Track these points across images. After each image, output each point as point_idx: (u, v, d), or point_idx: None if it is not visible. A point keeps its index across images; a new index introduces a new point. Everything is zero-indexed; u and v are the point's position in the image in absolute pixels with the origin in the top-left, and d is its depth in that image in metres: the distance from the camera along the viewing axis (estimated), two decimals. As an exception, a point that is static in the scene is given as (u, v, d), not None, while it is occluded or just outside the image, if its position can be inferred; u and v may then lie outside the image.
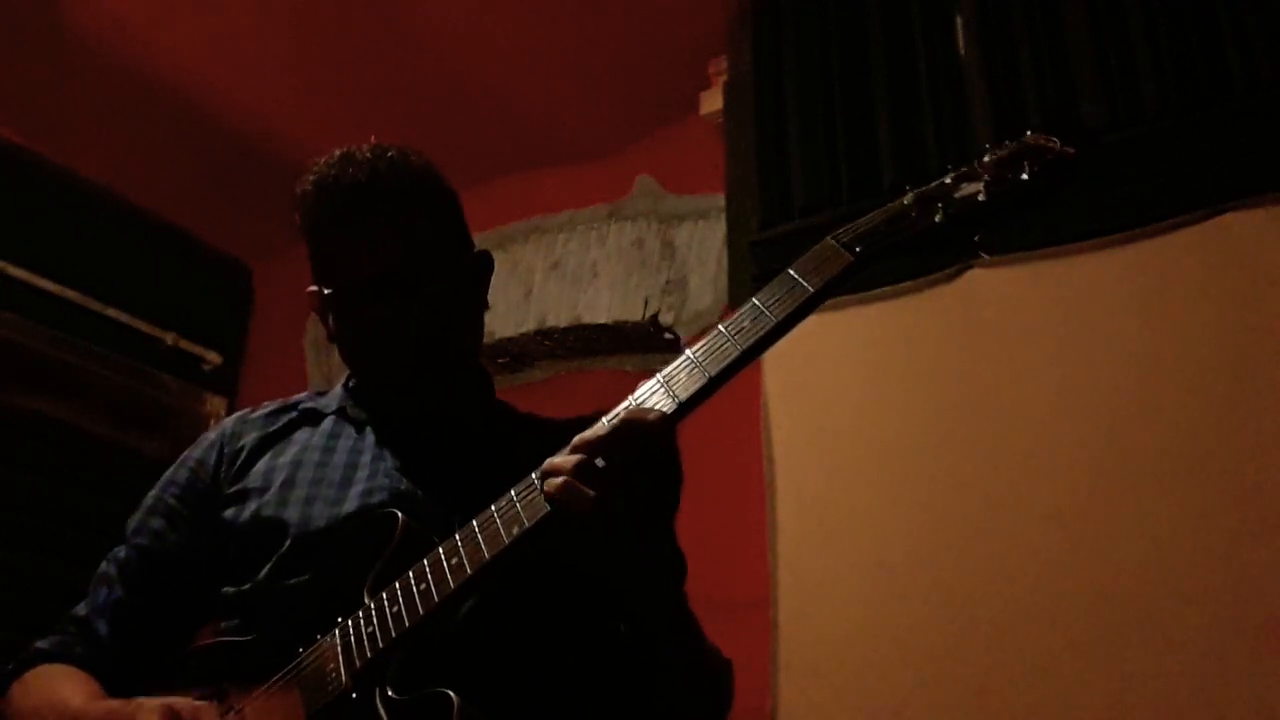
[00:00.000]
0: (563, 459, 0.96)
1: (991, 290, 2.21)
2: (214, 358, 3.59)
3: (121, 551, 1.27)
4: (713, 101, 2.86)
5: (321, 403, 1.34)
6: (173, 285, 3.56)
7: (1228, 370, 1.92)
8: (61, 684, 1.15)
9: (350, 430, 1.28)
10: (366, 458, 1.23)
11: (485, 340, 1.40)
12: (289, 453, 1.26)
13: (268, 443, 1.28)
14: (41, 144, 3.20)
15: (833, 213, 2.45)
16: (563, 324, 3.06)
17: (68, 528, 2.98)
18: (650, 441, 0.95)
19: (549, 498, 0.94)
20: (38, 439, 3.11)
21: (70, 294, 3.21)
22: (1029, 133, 1.02)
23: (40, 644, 1.22)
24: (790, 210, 2.51)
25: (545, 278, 3.13)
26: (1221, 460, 1.88)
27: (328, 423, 1.30)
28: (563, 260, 3.14)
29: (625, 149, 3.16)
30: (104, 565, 1.27)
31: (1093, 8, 2.20)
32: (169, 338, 3.48)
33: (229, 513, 1.22)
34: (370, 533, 1.10)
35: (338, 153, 1.23)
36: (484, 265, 1.32)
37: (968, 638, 2.02)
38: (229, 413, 3.50)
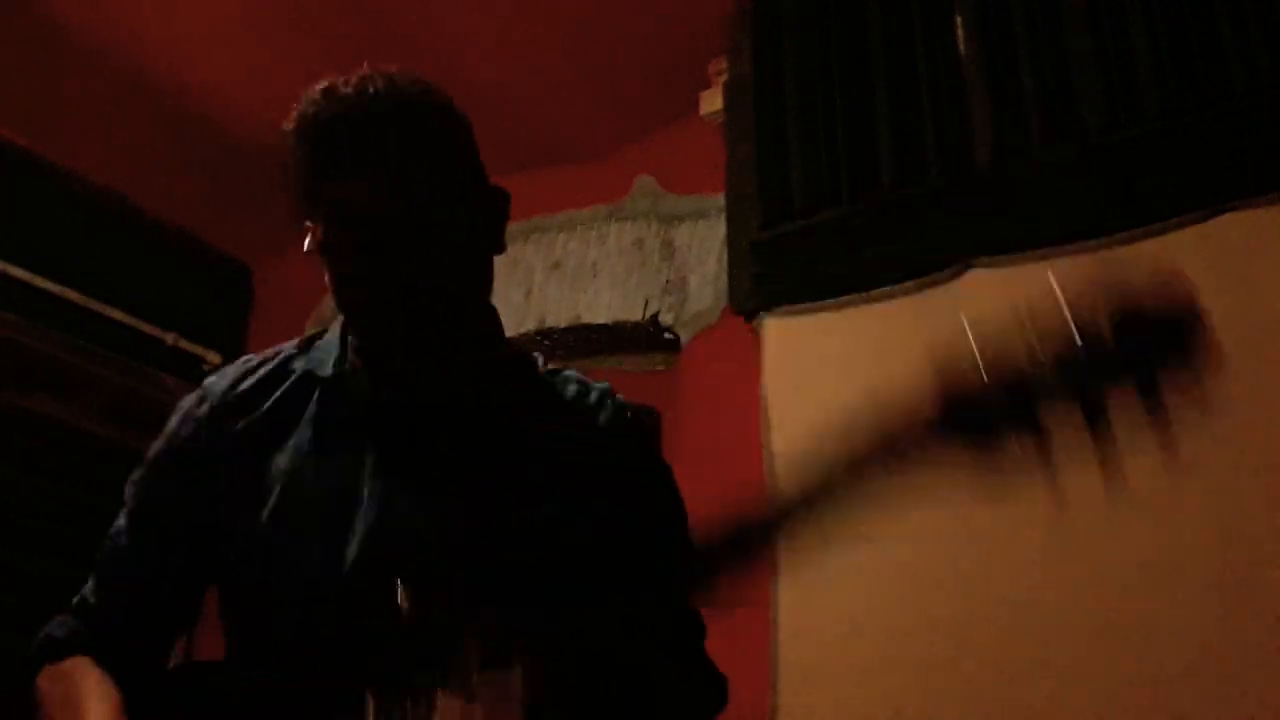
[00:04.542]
0: None
1: (991, 290, 2.21)
2: (214, 358, 3.59)
3: (122, 538, 1.21)
4: (713, 101, 2.86)
5: (316, 359, 1.21)
6: (173, 285, 3.56)
7: (1228, 369, 1.92)
8: (86, 698, 1.08)
9: (347, 416, 1.16)
10: (367, 475, 1.13)
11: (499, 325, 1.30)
12: (285, 450, 1.16)
13: (260, 430, 1.17)
14: (41, 144, 3.20)
15: (832, 212, 2.45)
16: (563, 324, 3.06)
17: (68, 528, 2.98)
18: None
19: None
20: (38, 439, 3.11)
21: (70, 294, 3.21)
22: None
23: (54, 632, 1.18)
24: (790, 210, 2.51)
25: (545, 278, 3.13)
26: (1222, 459, 1.88)
27: (324, 404, 1.17)
28: (563, 260, 3.14)
29: (625, 149, 3.16)
30: (106, 546, 1.22)
31: (1093, 8, 2.20)
32: (169, 338, 3.48)
33: (227, 514, 1.15)
34: (373, 608, 1.02)
35: (320, 86, 1.10)
36: (499, 203, 1.19)
37: (967, 639, 2.02)
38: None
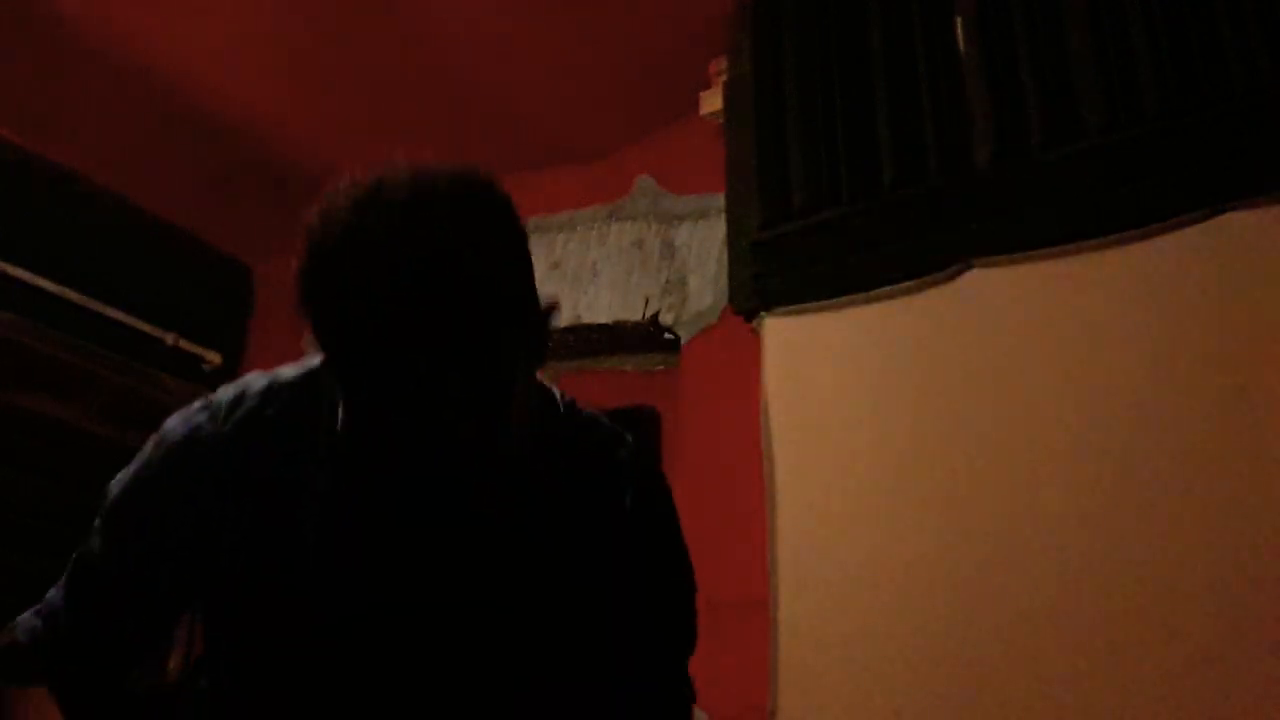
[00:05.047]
0: None
1: (991, 290, 2.21)
2: (214, 358, 3.59)
3: (96, 560, 1.15)
4: (713, 101, 2.86)
5: (321, 406, 1.10)
6: (173, 285, 3.56)
7: (1228, 370, 1.92)
8: None
9: (352, 488, 1.08)
10: (371, 544, 1.08)
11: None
12: (282, 515, 1.08)
13: (254, 484, 1.09)
14: (41, 144, 3.20)
15: (833, 212, 2.45)
16: (563, 324, 3.07)
17: (68, 528, 2.98)
18: None
19: None
20: (38, 439, 3.12)
21: (70, 294, 3.21)
22: None
23: (21, 637, 1.14)
24: (790, 210, 2.51)
25: (545, 278, 3.13)
26: (1223, 459, 1.88)
27: (325, 475, 1.08)
28: (563, 260, 3.14)
29: (625, 149, 3.16)
30: (80, 560, 1.17)
31: (1093, 8, 2.20)
32: (169, 338, 3.48)
33: (216, 569, 1.10)
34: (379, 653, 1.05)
35: (378, 244, 0.89)
36: (548, 320, 1.07)
37: (967, 638, 2.02)
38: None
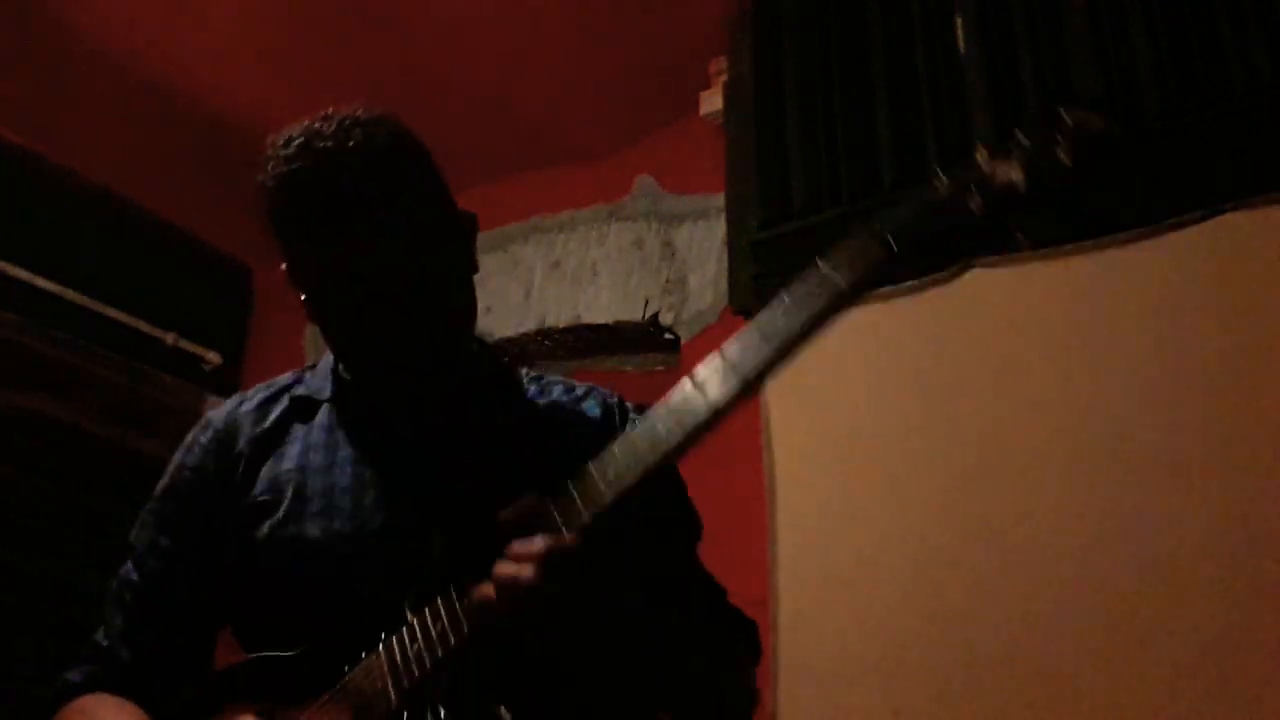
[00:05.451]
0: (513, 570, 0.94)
1: (991, 290, 2.21)
2: (214, 358, 3.59)
3: (132, 574, 1.22)
4: (713, 101, 2.86)
5: (313, 386, 1.27)
6: (173, 285, 3.56)
7: (1228, 370, 1.92)
8: (110, 715, 1.12)
9: (347, 422, 1.22)
10: (372, 459, 1.18)
11: (485, 341, 1.38)
12: (290, 455, 1.20)
13: (264, 444, 1.22)
14: (41, 144, 3.20)
15: (833, 212, 2.45)
16: (563, 324, 3.06)
17: (68, 528, 2.98)
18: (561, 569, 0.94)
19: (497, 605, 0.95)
20: (38, 439, 3.11)
21: (70, 294, 3.20)
22: (1064, 110, 0.99)
23: (72, 677, 1.19)
24: (790, 210, 2.52)
25: (545, 278, 3.13)
26: (1223, 461, 1.88)
27: (322, 415, 1.23)
28: (563, 260, 3.14)
29: (625, 149, 3.16)
30: (115, 587, 1.23)
31: (1093, 8, 2.20)
32: (169, 338, 3.48)
33: (240, 527, 1.17)
34: (405, 548, 1.09)
35: (295, 142, 1.12)
36: (468, 227, 1.24)
37: (967, 637, 2.02)
38: (229, 413, 3.51)
